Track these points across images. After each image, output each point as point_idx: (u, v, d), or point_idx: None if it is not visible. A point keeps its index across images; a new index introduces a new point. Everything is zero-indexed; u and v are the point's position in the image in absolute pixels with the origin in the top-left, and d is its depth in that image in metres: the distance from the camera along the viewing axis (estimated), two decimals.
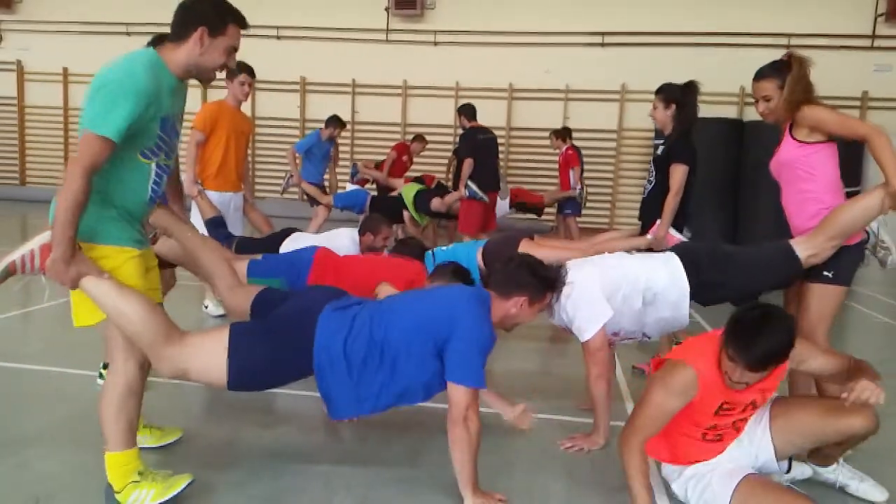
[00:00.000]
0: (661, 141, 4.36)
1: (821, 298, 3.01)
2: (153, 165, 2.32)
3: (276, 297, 2.79)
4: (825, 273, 2.99)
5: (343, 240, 4.56)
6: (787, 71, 3.01)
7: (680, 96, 4.16)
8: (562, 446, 3.05)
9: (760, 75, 3.09)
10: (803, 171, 3.02)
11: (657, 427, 2.42)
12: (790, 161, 3.05)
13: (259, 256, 3.72)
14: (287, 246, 4.40)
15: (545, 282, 2.74)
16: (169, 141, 2.35)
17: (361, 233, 4.59)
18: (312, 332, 2.44)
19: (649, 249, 3.82)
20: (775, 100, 3.04)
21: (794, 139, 3.02)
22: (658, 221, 4.06)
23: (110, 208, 2.26)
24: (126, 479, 2.33)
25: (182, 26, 2.28)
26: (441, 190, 8.08)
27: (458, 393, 2.39)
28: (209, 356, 2.39)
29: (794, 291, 3.18)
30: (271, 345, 2.43)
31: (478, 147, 7.18)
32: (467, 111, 7.51)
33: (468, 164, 7.08)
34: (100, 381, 3.42)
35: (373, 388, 2.45)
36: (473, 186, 7.08)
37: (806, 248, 2.94)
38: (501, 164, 12.34)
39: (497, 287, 2.67)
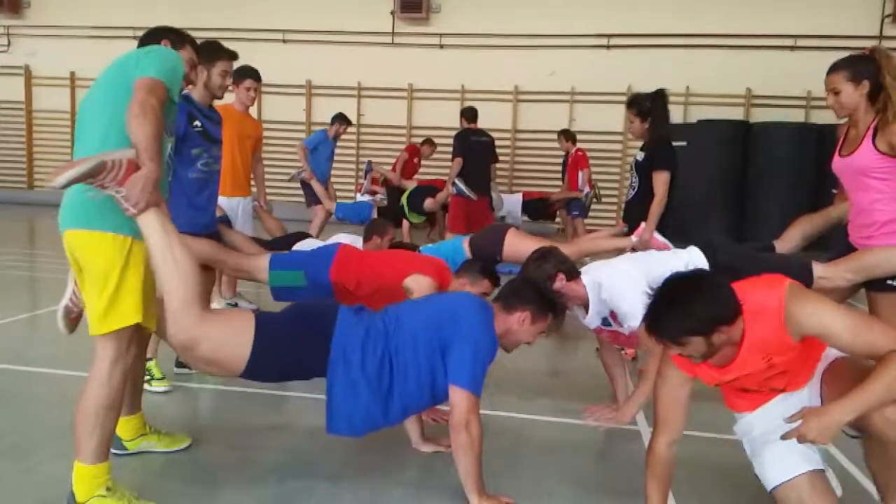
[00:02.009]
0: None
1: (890, 309, 2.95)
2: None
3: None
4: (889, 282, 2.93)
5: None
6: (862, 64, 2.91)
7: (651, 106, 4.25)
8: (586, 418, 3.04)
9: (831, 68, 2.99)
10: (878, 181, 2.93)
11: (676, 419, 2.26)
12: (865, 169, 2.94)
13: (284, 253, 3.75)
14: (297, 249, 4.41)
15: (549, 303, 2.75)
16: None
17: (367, 237, 4.61)
18: (332, 324, 2.46)
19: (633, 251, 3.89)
20: (844, 93, 2.93)
21: (876, 148, 2.90)
22: (643, 224, 4.10)
23: None
24: (92, 492, 2.26)
25: (146, 44, 2.59)
26: (435, 190, 8.17)
27: (458, 397, 2.39)
28: (231, 337, 2.36)
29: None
30: (293, 336, 2.44)
31: (468, 148, 7.33)
32: (467, 114, 7.71)
33: (457, 163, 7.27)
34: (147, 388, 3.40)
35: (381, 399, 2.45)
36: (460, 184, 7.21)
37: (822, 270, 2.92)
38: (507, 166, 12.37)
39: (502, 300, 2.69)
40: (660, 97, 4.27)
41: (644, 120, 4.31)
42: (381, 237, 4.61)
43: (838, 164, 3.10)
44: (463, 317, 2.47)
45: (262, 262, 3.50)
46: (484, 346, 2.45)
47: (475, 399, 2.41)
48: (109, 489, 2.29)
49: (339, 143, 8.48)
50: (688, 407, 2.30)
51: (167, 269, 2.22)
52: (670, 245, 4.00)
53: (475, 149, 7.37)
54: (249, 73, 4.83)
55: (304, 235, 4.73)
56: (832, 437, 1.97)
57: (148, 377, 3.44)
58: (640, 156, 4.37)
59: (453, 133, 8.33)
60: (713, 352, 2.09)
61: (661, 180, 4.10)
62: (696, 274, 2.16)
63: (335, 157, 8.52)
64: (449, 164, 7.56)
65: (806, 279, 2.93)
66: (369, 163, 10.05)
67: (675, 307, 2.03)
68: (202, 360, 2.40)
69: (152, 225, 2.18)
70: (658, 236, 3.99)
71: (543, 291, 2.79)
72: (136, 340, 2.33)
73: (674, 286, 2.08)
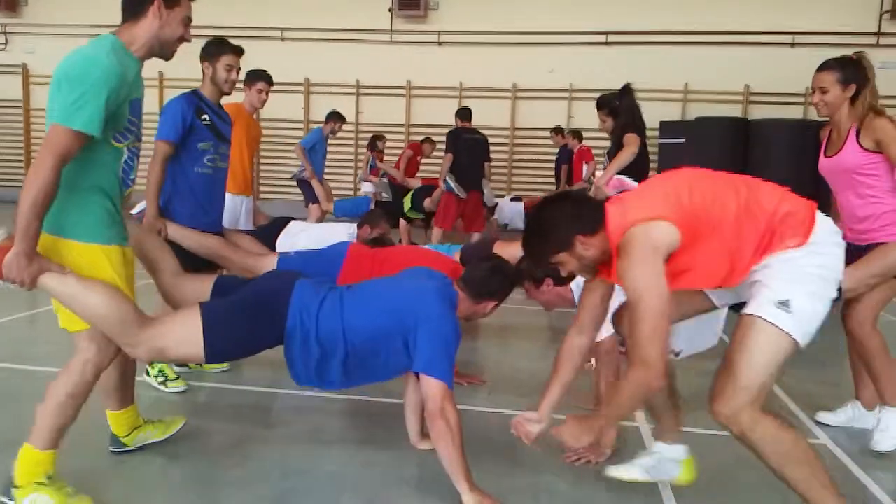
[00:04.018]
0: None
1: (873, 291, 3.00)
2: (125, 149, 2.29)
3: (238, 282, 2.83)
4: None
5: (341, 237, 4.60)
6: (852, 68, 3.00)
7: (618, 104, 4.35)
8: (566, 460, 2.89)
9: (822, 67, 3.06)
10: (867, 177, 2.99)
11: (585, 314, 2.39)
12: (854, 167, 3.01)
13: (292, 252, 3.71)
14: (283, 239, 4.42)
15: (511, 287, 2.92)
16: (138, 124, 2.34)
17: (360, 226, 4.70)
18: (289, 297, 2.48)
19: None
20: (831, 93, 3.02)
21: (861, 146, 2.98)
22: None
23: (91, 196, 2.22)
24: (32, 477, 2.27)
25: (136, 3, 2.29)
26: (432, 190, 8.26)
27: (431, 386, 2.41)
28: (184, 330, 2.40)
29: None
30: (246, 313, 2.47)
31: (460, 145, 7.44)
32: (461, 113, 7.84)
33: (448, 159, 7.41)
34: (149, 380, 3.47)
35: (336, 370, 2.51)
36: (451, 182, 7.32)
37: (848, 283, 2.85)
38: (505, 163, 12.37)
39: (470, 288, 2.72)
40: (627, 93, 4.33)
41: (616, 118, 4.39)
42: (373, 228, 4.71)
43: (825, 164, 3.17)
44: (425, 310, 2.49)
45: (269, 264, 3.46)
46: (450, 337, 2.48)
47: (448, 388, 2.43)
48: (50, 478, 2.30)
49: (337, 142, 8.48)
50: (600, 307, 2.40)
51: (92, 311, 2.23)
52: (625, 180, 3.94)
53: (466, 146, 7.48)
54: (263, 76, 4.86)
55: (286, 222, 4.77)
56: (582, 444, 2.21)
57: (162, 378, 3.46)
58: (611, 147, 4.46)
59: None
60: (588, 263, 2.19)
61: (631, 138, 4.16)
62: (547, 198, 2.31)
63: (332, 155, 8.53)
64: None
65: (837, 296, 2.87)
66: (373, 159, 10.07)
67: (533, 237, 2.22)
68: (174, 360, 2.47)
69: (50, 287, 2.18)
70: (627, 180, 3.95)
71: (511, 279, 2.90)
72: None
73: (530, 219, 2.26)
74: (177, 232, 3.32)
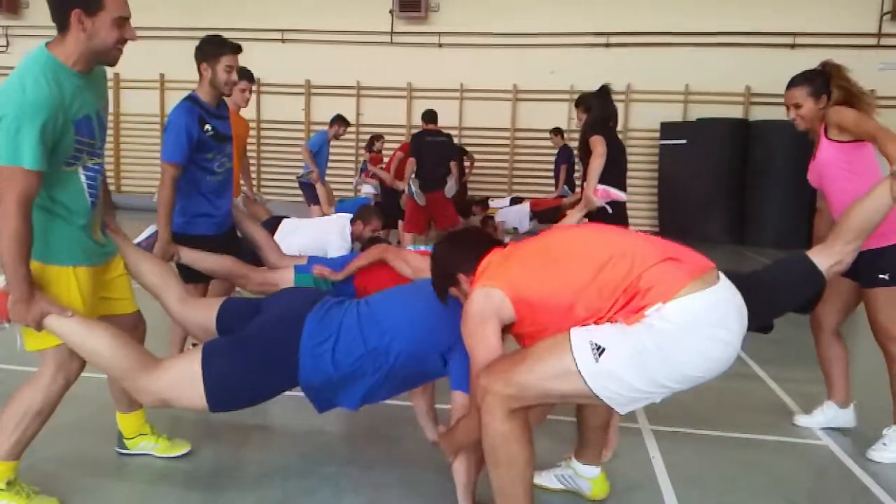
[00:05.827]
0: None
1: (886, 302, 2.98)
2: (79, 171, 2.22)
3: (244, 307, 2.67)
4: (881, 276, 2.95)
5: (334, 237, 4.63)
6: (820, 79, 3.05)
7: (592, 102, 4.39)
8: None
9: (792, 83, 3.14)
10: (843, 170, 3.00)
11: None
12: (828, 161, 3.04)
13: (304, 260, 3.69)
14: (277, 238, 4.42)
15: None
16: (91, 142, 2.23)
17: (353, 221, 4.72)
18: (297, 344, 2.38)
19: (589, 215, 3.93)
20: (805, 108, 3.09)
21: (829, 139, 3.03)
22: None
23: (55, 219, 2.20)
24: None
25: (58, 15, 2.10)
26: None
27: (461, 401, 2.36)
28: (185, 382, 2.33)
29: (833, 291, 3.10)
30: (249, 361, 2.37)
31: (423, 149, 7.51)
32: (425, 115, 7.93)
33: (410, 163, 7.44)
34: None
35: (364, 390, 2.44)
36: (413, 187, 7.35)
37: (826, 259, 2.66)
38: (506, 165, 12.39)
39: None
40: (602, 91, 4.37)
41: (589, 114, 4.40)
42: (365, 224, 4.73)
43: (810, 172, 3.19)
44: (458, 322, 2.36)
45: (288, 275, 3.43)
46: None
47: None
48: (10, 483, 2.30)
49: (338, 143, 8.49)
50: None
51: (95, 357, 2.28)
52: (610, 190, 3.92)
53: (429, 149, 7.54)
54: (244, 75, 4.84)
55: (278, 221, 4.79)
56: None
57: None
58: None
59: (452, 132, 8.50)
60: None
61: (596, 141, 4.14)
62: (448, 234, 2.48)
63: (333, 157, 8.54)
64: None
65: (818, 280, 2.67)
66: (365, 162, 10.09)
67: (433, 267, 2.37)
68: (181, 408, 2.49)
69: (56, 332, 2.21)
70: (601, 187, 3.94)
71: None
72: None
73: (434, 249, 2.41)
74: (190, 255, 3.27)
